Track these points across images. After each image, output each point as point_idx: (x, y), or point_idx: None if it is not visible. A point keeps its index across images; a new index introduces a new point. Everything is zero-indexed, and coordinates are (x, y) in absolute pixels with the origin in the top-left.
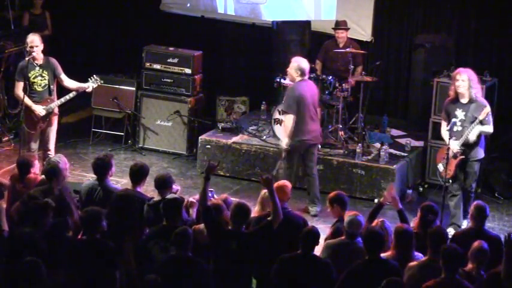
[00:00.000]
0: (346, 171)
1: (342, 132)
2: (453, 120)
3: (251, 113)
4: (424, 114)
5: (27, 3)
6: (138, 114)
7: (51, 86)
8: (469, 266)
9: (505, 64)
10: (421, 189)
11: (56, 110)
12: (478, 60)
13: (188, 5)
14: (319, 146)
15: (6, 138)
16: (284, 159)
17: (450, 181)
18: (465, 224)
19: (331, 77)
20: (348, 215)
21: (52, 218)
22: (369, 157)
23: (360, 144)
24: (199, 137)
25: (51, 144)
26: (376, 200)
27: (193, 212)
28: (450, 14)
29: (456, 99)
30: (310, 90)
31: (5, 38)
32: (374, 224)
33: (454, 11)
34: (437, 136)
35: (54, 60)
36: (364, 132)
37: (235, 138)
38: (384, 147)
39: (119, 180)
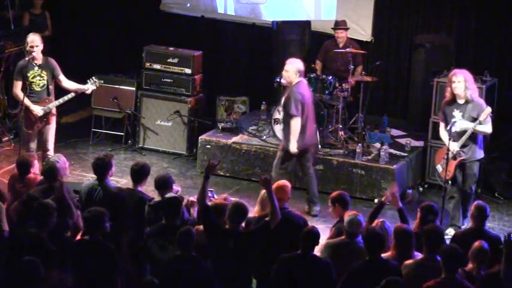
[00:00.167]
0: (346, 171)
1: (342, 132)
2: (453, 120)
3: (251, 113)
4: (424, 114)
5: (27, 3)
6: (138, 114)
7: (50, 87)
8: (469, 266)
9: (505, 64)
10: (421, 189)
11: (54, 111)
12: (478, 60)
13: (188, 5)
14: (320, 146)
15: (6, 138)
16: (279, 161)
17: (449, 182)
18: (466, 224)
19: (331, 77)
20: (348, 215)
21: (56, 218)
22: (369, 157)
23: (360, 144)
24: (199, 137)
25: (50, 145)
26: (376, 200)
27: (194, 212)
28: (450, 14)
29: (453, 101)
30: (308, 90)
31: (5, 38)
32: (374, 224)
33: (454, 11)
34: (437, 136)
35: (53, 61)
36: (364, 132)
37: (235, 138)
38: (384, 147)
39: (119, 180)
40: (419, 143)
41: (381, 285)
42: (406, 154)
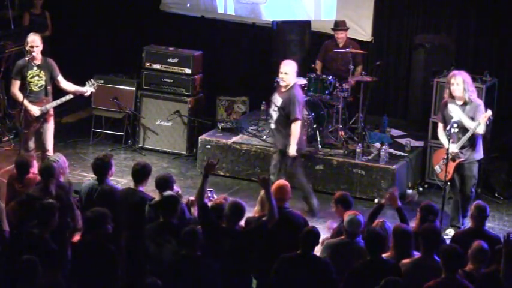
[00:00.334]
0: (346, 171)
1: (342, 132)
2: (452, 121)
3: (251, 113)
4: (424, 114)
5: (27, 3)
6: (138, 114)
7: (48, 87)
8: (469, 266)
9: (505, 64)
10: (421, 189)
11: (51, 111)
12: (478, 60)
13: (188, 5)
14: (320, 146)
15: (6, 138)
16: (278, 164)
17: (449, 183)
18: (466, 224)
19: (331, 77)
20: (347, 215)
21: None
22: (369, 157)
23: (360, 144)
24: (199, 137)
25: (50, 145)
26: (376, 200)
27: (194, 211)
28: (450, 14)
29: (451, 102)
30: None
31: (5, 38)
32: (374, 224)
33: (454, 11)
34: (437, 136)
35: (52, 61)
36: (364, 132)
37: (235, 138)
38: (384, 147)
39: (119, 180)
40: (419, 143)
41: (380, 285)
42: (406, 154)
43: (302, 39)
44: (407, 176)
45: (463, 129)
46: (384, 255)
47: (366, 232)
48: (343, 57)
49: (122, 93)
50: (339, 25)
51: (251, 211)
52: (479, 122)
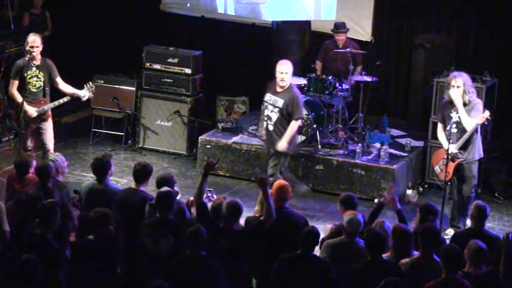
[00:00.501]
0: (346, 171)
1: (342, 132)
2: (452, 121)
3: (251, 113)
4: (424, 114)
5: (27, 3)
6: (138, 114)
7: (46, 88)
8: (468, 266)
9: (505, 64)
10: (421, 189)
11: (49, 112)
12: (478, 60)
13: (188, 5)
14: (319, 146)
15: (6, 138)
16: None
17: (449, 183)
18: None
19: (331, 77)
20: (347, 215)
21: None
22: (369, 157)
23: (359, 144)
24: (199, 137)
25: (50, 145)
26: (376, 200)
27: (194, 211)
28: (450, 14)
29: (451, 102)
30: None
31: (5, 38)
32: (373, 224)
33: (454, 11)
34: (437, 136)
35: (51, 62)
36: (364, 132)
37: (235, 138)
38: (383, 147)
39: (119, 180)
40: (419, 143)
41: (379, 285)
42: (406, 154)
43: (302, 39)
44: (407, 176)
45: (462, 130)
46: (383, 256)
47: (366, 232)
48: (343, 58)
49: (122, 93)
50: (339, 27)
51: (251, 211)
52: (477, 123)
